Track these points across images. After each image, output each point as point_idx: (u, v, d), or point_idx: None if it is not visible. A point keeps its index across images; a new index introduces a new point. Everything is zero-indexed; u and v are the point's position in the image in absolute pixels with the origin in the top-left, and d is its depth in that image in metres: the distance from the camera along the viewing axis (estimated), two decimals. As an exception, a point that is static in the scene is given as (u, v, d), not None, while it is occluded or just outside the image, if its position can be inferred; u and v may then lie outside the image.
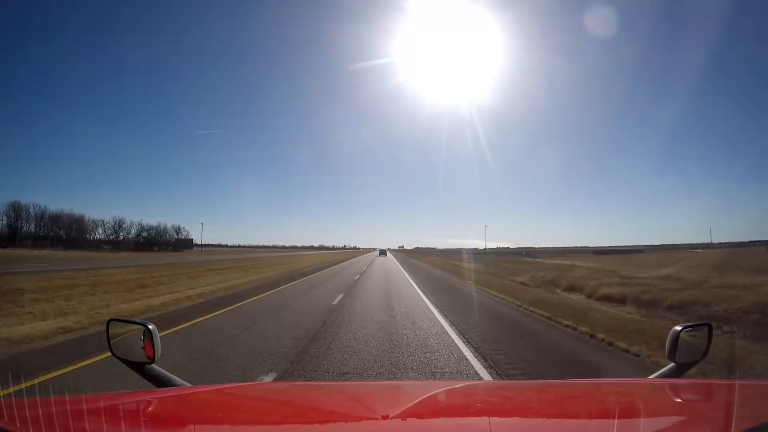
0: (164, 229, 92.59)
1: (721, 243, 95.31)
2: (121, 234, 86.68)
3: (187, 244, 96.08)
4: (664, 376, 1.60)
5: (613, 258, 47.95)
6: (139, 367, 1.54)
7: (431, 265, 38.78)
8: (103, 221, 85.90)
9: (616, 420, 1.08)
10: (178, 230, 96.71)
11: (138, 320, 1.64)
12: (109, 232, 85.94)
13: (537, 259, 43.78)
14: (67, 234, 78.56)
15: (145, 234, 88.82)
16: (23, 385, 3.61)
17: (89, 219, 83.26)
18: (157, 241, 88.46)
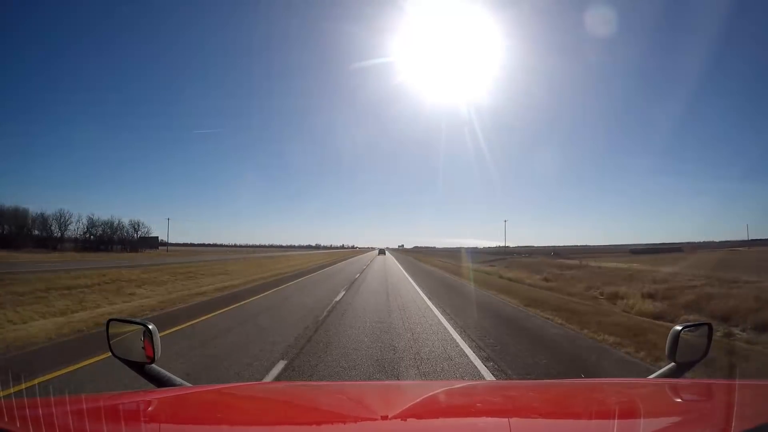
0: (119, 224, 75.10)
1: (756, 240, 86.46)
2: (70, 230, 69.46)
3: (150, 242, 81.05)
4: (664, 376, 1.61)
5: (662, 258, 37.28)
6: (139, 367, 1.54)
7: (451, 272, 24.98)
8: (42, 215, 67.27)
9: (616, 420, 1.08)
10: (136, 226, 79.56)
11: (138, 320, 1.64)
12: (51, 227, 68.09)
13: (575, 261, 31.88)
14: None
15: (96, 230, 71.74)
16: None
17: (21, 211, 64.43)
18: (111, 239, 72.77)
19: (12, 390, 4.53)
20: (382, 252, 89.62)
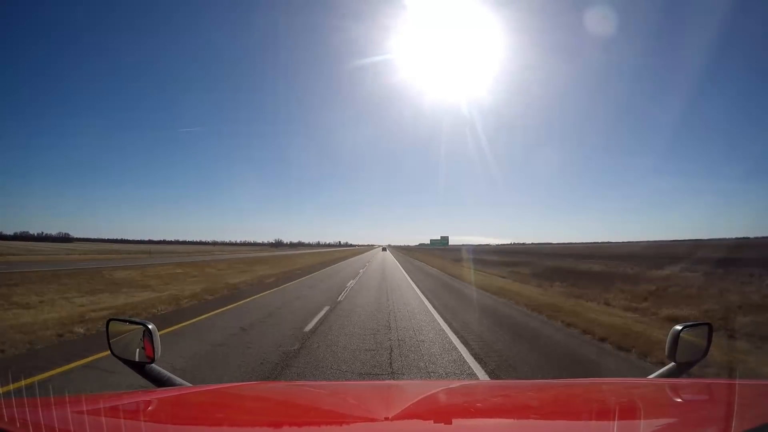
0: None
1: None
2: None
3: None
4: (664, 376, 1.61)
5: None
6: (139, 367, 1.54)
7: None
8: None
9: (616, 420, 1.08)
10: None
11: (138, 320, 1.65)
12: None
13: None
14: None
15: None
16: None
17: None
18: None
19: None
20: (384, 249, 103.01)
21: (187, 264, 30.76)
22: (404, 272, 25.68)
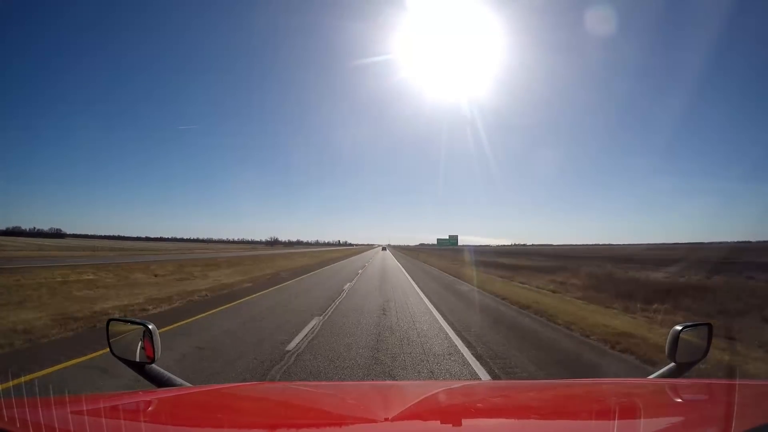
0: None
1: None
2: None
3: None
4: (664, 376, 1.61)
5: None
6: (139, 367, 1.54)
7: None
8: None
9: (616, 420, 1.08)
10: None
11: (138, 320, 1.64)
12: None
13: None
14: None
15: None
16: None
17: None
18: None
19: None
20: (384, 249, 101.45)
21: (117, 267, 21.82)
22: (410, 280, 19.16)
